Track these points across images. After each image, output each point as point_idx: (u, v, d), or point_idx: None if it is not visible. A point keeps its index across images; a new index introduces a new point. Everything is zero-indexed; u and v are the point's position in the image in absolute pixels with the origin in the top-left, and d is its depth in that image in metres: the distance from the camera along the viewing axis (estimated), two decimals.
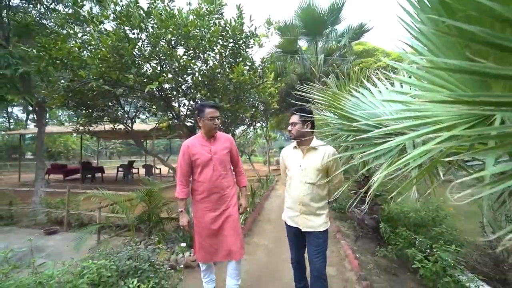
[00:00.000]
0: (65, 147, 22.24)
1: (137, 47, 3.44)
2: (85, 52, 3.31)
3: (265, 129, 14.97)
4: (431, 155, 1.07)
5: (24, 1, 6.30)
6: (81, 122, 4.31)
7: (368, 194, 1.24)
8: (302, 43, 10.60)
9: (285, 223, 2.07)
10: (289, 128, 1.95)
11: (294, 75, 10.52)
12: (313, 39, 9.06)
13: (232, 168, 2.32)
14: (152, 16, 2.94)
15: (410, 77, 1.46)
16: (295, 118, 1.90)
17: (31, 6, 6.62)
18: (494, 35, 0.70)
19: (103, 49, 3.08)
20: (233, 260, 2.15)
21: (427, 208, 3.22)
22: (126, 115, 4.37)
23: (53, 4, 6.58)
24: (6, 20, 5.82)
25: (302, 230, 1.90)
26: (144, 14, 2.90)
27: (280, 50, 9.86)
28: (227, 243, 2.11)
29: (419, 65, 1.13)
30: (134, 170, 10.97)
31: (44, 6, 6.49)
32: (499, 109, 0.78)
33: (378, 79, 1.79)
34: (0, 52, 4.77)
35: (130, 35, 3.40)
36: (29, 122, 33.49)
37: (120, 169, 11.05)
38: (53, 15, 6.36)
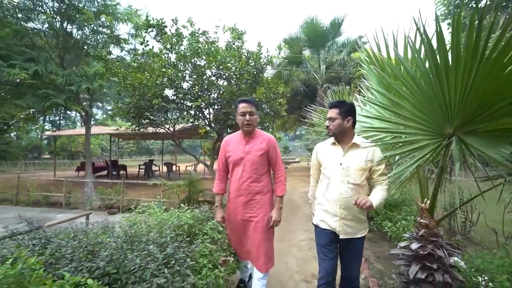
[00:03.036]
0: (83, 147, 23.72)
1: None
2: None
3: (271, 129, 16.09)
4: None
5: (73, 25, 7.50)
6: (132, 126, 5.49)
7: None
8: (306, 52, 11.72)
9: (317, 227, 1.82)
10: (327, 123, 1.75)
11: (299, 81, 11.64)
12: (316, 55, 10.14)
13: (271, 173, 2.13)
14: (200, 55, 4.11)
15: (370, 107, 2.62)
16: (334, 113, 1.71)
17: (77, 29, 7.85)
18: (387, 105, 1.85)
19: (161, 76, 4.27)
20: (258, 271, 2.01)
21: (399, 194, 4.33)
22: (169, 121, 5.56)
23: (95, 27, 7.80)
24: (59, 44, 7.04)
25: (340, 237, 1.70)
26: (195, 56, 4.08)
27: (287, 60, 10.96)
28: (253, 253, 2.01)
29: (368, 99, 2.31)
30: (155, 168, 12.24)
31: (89, 29, 7.71)
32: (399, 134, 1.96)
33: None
34: (65, 72, 6.00)
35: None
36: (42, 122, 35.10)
37: (142, 166, 12.33)
38: (97, 37, 7.59)
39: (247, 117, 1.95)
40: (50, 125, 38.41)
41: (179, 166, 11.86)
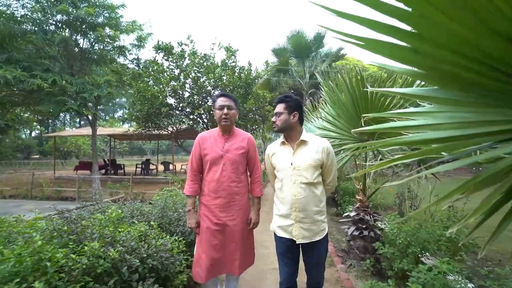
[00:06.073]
0: (75, 147, 24.02)
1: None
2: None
3: (261, 131, 17.15)
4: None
5: (80, 36, 8.23)
6: (139, 129, 6.37)
7: None
8: (293, 61, 12.82)
9: (275, 234, 1.75)
10: (273, 119, 1.72)
11: (287, 88, 12.72)
12: (301, 67, 11.23)
13: (248, 174, 2.05)
14: (200, 71, 5.07)
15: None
16: (280, 107, 1.68)
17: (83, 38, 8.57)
18: (331, 121, 2.90)
19: (167, 87, 5.19)
20: (231, 274, 1.91)
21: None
22: (172, 125, 6.46)
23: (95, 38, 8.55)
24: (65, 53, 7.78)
25: (297, 242, 1.62)
26: (196, 72, 5.03)
27: (275, 69, 12.01)
28: (228, 258, 1.86)
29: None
30: (152, 166, 13.05)
31: (94, 38, 8.45)
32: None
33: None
34: (79, 81, 6.78)
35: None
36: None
37: (139, 165, 13.10)
38: (102, 47, 8.35)
39: (225, 110, 1.84)
40: (39, 125, 38.12)
41: (175, 165, 12.71)
